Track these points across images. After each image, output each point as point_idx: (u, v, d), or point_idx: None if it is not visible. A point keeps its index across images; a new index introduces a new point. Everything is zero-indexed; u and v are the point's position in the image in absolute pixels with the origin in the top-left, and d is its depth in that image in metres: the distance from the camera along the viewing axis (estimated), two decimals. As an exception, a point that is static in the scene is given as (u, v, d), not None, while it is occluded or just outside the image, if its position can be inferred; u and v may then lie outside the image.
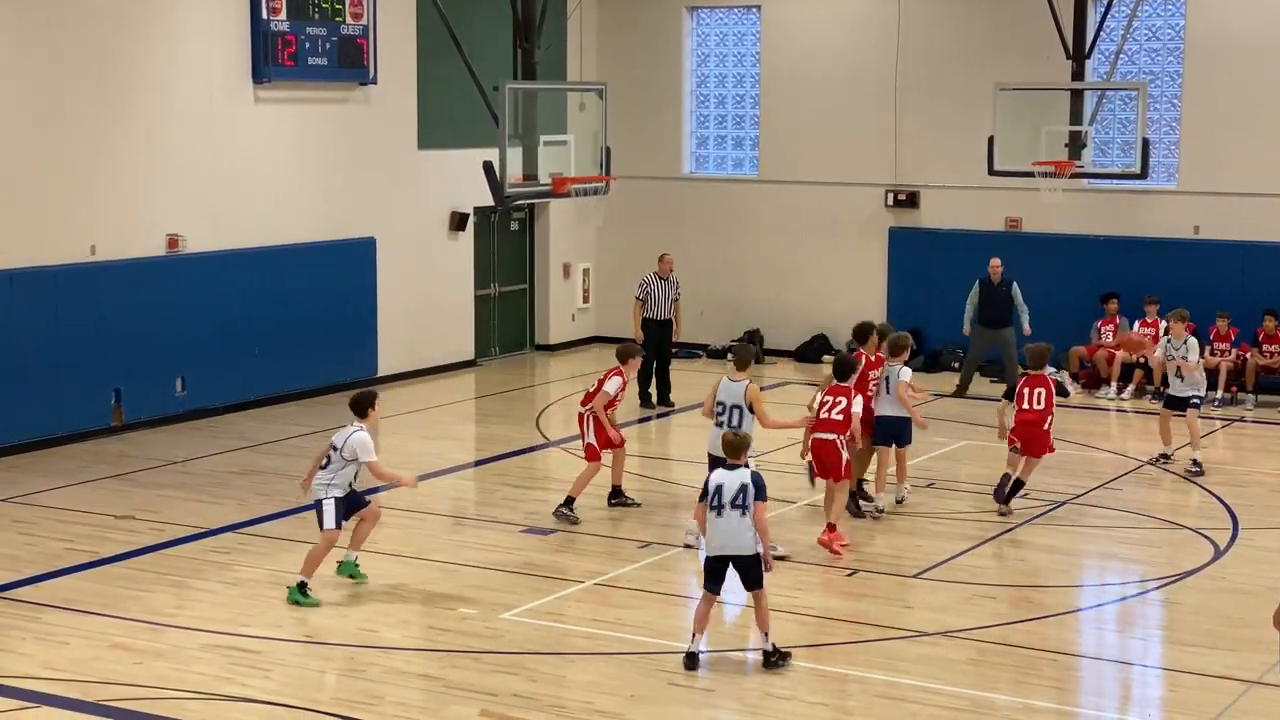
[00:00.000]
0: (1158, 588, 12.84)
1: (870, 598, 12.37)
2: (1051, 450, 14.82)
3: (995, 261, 20.74)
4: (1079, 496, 15.52)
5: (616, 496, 15.13)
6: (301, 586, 12.09)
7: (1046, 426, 14.59)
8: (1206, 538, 14.06)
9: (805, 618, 11.91)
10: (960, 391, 20.76)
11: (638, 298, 20.12)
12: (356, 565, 12.72)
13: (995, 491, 14.82)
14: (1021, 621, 11.79)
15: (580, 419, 14.80)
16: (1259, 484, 16.27)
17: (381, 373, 21.57)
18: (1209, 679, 10.65)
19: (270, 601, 12.18)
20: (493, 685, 10.44)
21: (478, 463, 17.65)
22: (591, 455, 14.64)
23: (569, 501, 14.57)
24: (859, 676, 10.64)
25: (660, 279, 20.12)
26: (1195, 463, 16.32)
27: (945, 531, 14.25)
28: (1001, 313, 20.66)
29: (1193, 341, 16.65)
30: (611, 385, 14.64)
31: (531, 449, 18.12)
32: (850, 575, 12.91)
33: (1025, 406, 14.66)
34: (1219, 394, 20.13)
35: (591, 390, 14.80)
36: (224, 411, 19.24)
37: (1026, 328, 20.31)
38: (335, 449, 12.34)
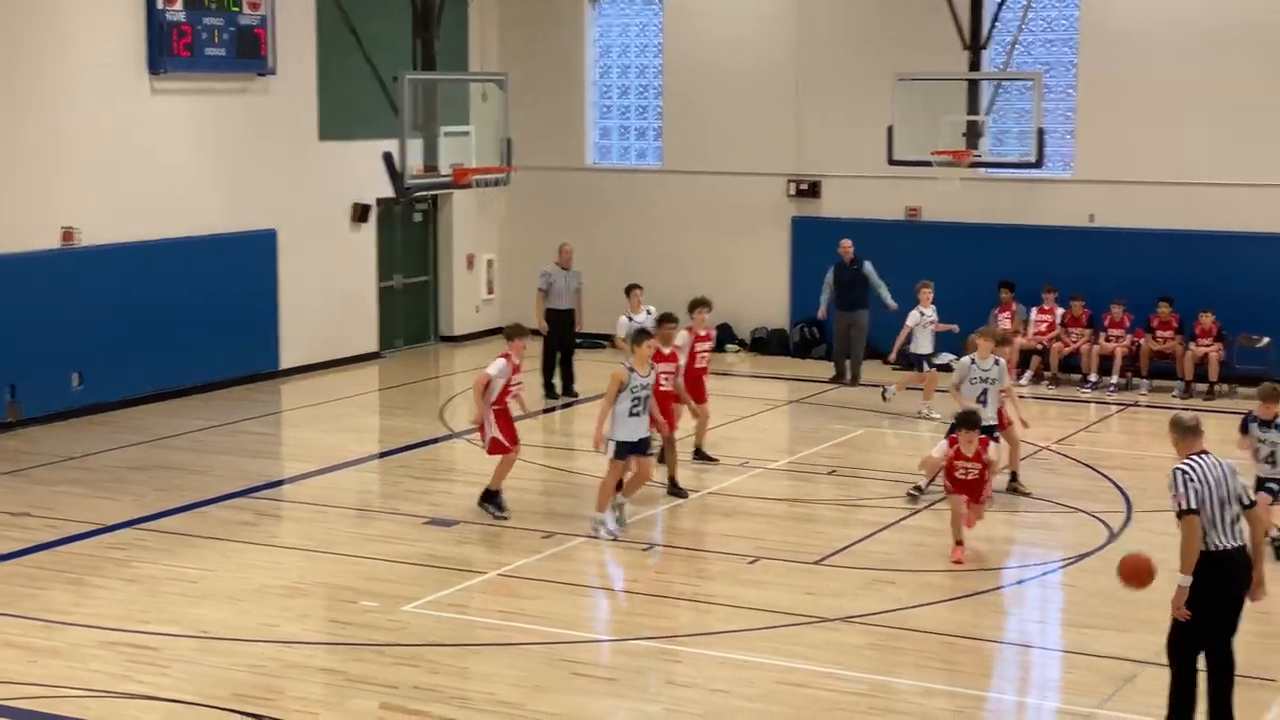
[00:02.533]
0: (1055, 570, 13.06)
1: (772, 584, 12.46)
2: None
3: (846, 242, 20.90)
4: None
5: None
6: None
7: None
8: (1101, 521, 14.30)
9: (708, 605, 11.98)
10: (840, 378, 20.93)
11: (540, 288, 20.11)
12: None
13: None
14: (921, 606, 11.93)
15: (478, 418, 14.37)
16: (1153, 468, 16.51)
17: (284, 365, 21.39)
18: (1104, 660, 10.85)
19: (169, 598, 12.06)
20: (394, 678, 10.41)
21: (381, 455, 17.56)
22: (497, 449, 14.27)
23: (489, 495, 14.32)
24: (760, 663, 10.72)
25: (562, 269, 20.12)
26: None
27: (845, 518, 14.38)
28: (856, 294, 20.83)
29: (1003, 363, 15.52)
30: (494, 367, 14.13)
31: (435, 441, 18.05)
32: (752, 563, 13.00)
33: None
34: (1114, 379, 20.52)
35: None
36: (122, 406, 18.98)
37: (889, 302, 20.52)
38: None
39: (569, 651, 10.99)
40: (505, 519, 14.07)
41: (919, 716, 9.80)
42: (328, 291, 21.98)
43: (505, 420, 14.23)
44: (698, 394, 16.12)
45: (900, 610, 11.85)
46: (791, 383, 21.46)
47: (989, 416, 14.27)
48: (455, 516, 14.42)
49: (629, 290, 18.42)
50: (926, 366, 19.10)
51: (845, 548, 13.44)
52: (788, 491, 15.70)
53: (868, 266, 20.81)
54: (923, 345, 19.17)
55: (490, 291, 25.10)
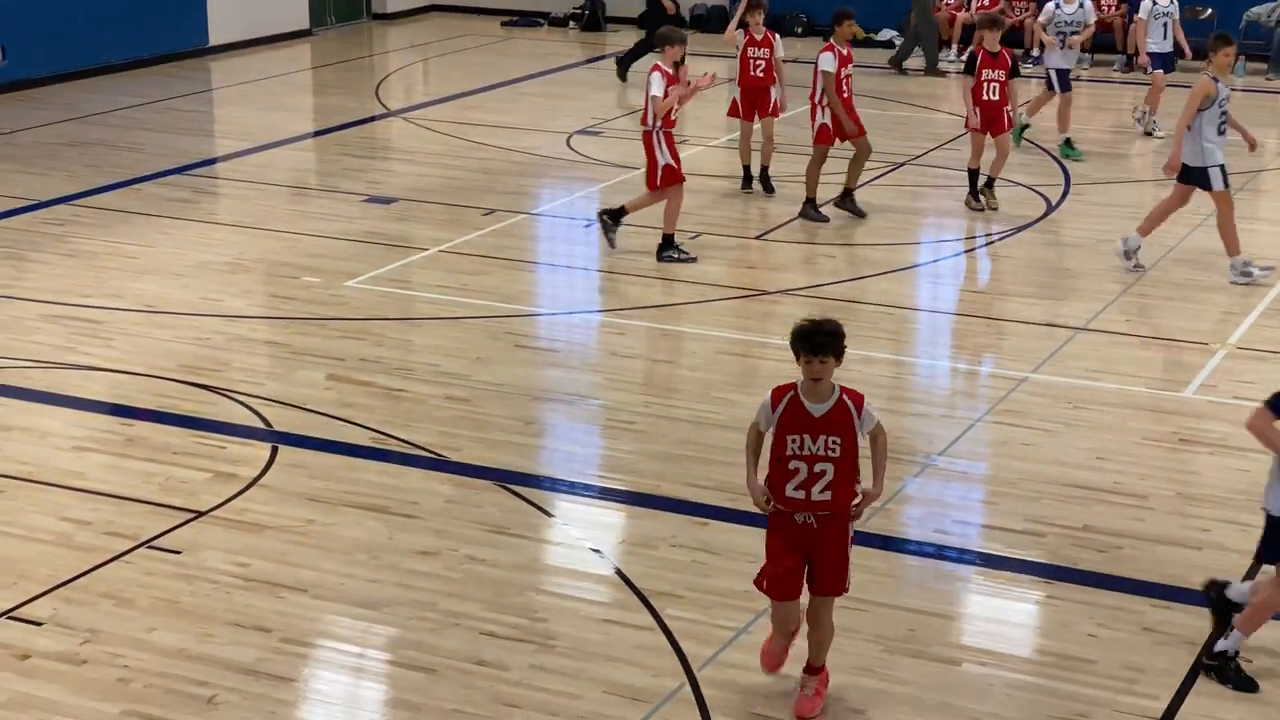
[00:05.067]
0: (992, 243, 13.19)
1: (713, 260, 12.52)
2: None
3: None
4: (918, 158, 15.73)
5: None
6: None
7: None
8: (1039, 194, 14.39)
9: (650, 279, 12.05)
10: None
11: None
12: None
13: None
14: (861, 278, 12.06)
15: (645, 139, 12.24)
16: (1091, 140, 16.60)
17: (213, 42, 20.82)
18: (1038, 327, 11.07)
19: (109, 273, 11.98)
20: (339, 350, 10.47)
21: (317, 133, 17.29)
22: (670, 178, 12.20)
23: (668, 242, 12.42)
24: (702, 334, 10.85)
25: None
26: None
27: (786, 194, 14.36)
28: None
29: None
30: (655, 84, 12.03)
31: (372, 119, 17.77)
32: (695, 238, 13.03)
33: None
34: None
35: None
36: (49, 82, 18.49)
37: None
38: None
39: (512, 325, 11.07)
40: (694, 260, 12.36)
41: (860, 382, 9.93)
42: (255, -36, 21.26)
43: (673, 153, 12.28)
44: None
45: (840, 283, 11.97)
46: (731, 60, 21.10)
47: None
48: (394, 194, 14.30)
49: None
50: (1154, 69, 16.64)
51: (786, 223, 13.48)
52: (726, 168, 15.64)
53: None
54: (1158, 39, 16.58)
55: (424, -34, 24.34)
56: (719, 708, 6.47)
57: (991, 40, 13.55)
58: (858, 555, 6.88)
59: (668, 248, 12.38)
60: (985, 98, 13.54)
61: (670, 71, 12.10)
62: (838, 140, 13.36)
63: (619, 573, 7.61)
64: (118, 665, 6.74)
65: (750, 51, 13.95)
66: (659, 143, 12.12)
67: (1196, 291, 11.75)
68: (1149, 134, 16.74)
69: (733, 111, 14.28)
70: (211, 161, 15.81)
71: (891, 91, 19.02)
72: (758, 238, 13.13)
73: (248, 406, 9.49)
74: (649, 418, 9.43)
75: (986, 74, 13.51)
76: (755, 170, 14.36)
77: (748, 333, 10.89)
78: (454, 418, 9.40)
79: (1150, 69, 16.50)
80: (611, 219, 12.59)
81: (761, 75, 13.97)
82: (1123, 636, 7.03)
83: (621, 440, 9.19)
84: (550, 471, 8.81)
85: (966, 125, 13.83)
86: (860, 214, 13.54)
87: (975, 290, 12.42)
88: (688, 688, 6.60)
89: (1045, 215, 13.76)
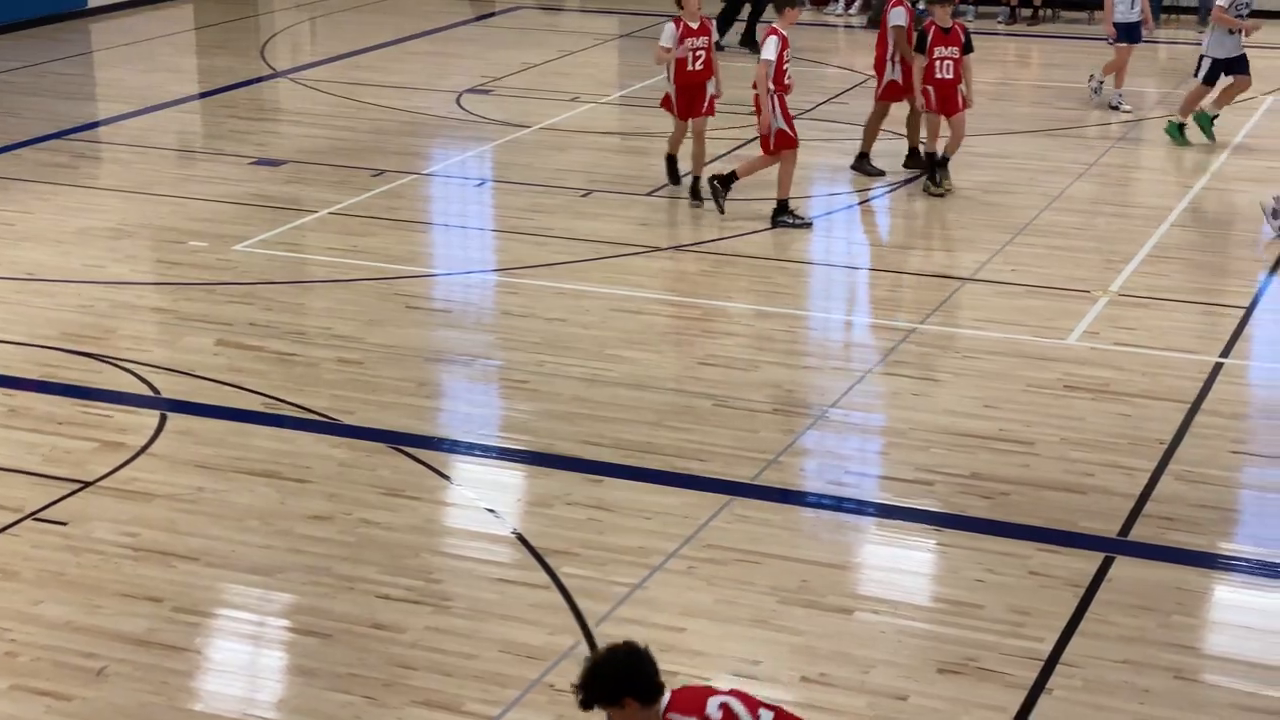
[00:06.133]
0: (880, 196, 13.28)
1: (606, 217, 12.51)
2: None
3: None
4: (808, 111, 15.78)
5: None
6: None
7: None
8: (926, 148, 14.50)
9: (541, 238, 12.02)
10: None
11: None
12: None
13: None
14: (752, 233, 12.11)
15: (756, 101, 12.12)
16: (976, 93, 16.71)
17: (92, 4, 20.39)
18: (926, 278, 11.19)
19: (-12, 242, 11.74)
20: (229, 315, 10.34)
21: (202, 95, 17.00)
22: (783, 143, 12.08)
23: (783, 207, 12.24)
24: (595, 292, 10.85)
25: None
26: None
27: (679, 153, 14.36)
28: None
29: None
30: (769, 48, 11.91)
31: (258, 80, 17.51)
32: (584, 195, 13.01)
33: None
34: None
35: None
36: (-80, 48, 18.05)
37: None
38: None
39: (404, 286, 10.99)
40: (810, 224, 12.24)
41: (752, 336, 10.06)
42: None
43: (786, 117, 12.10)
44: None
45: (731, 238, 12.01)
46: (623, 16, 21.10)
47: None
48: (282, 156, 14.12)
49: None
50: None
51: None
52: (619, 125, 15.62)
53: None
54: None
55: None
56: (615, 663, 6.50)
57: (943, 15, 12.72)
58: (752, 508, 6.95)
59: (782, 212, 12.18)
60: (939, 76, 12.80)
61: (785, 34, 11.96)
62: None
63: (515, 532, 7.61)
64: (4, 640, 6.64)
65: (687, 42, 12.43)
66: (773, 106, 11.98)
67: (1079, 240, 11.93)
68: (1114, 107, 15.69)
69: (666, 105, 12.89)
70: (93, 125, 15.51)
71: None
72: (649, 194, 13.13)
73: (134, 374, 9.36)
74: (543, 376, 9.42)
75: (939, 51, 12.73)
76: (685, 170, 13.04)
77: (641, 289, 10.90)
78: (346, 381, 9.34)
79: (1115, 40, 15.53)
80: (722, 184, 12.36)
81: (700, 69, 12.54)
82: (1009, 581, 7.16)
83: (516, 400, 9.17)
84: (445, 433, 8.79)
85: (926, 107, 12.98)
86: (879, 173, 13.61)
87: (865, 243, 12.53)
88: (584, 645, 6.63)
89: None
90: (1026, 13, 20.47)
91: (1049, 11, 20.76)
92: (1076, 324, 10.22)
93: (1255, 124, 15.33)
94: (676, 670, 6.44)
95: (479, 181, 13.45)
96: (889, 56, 13.29)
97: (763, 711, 4.67)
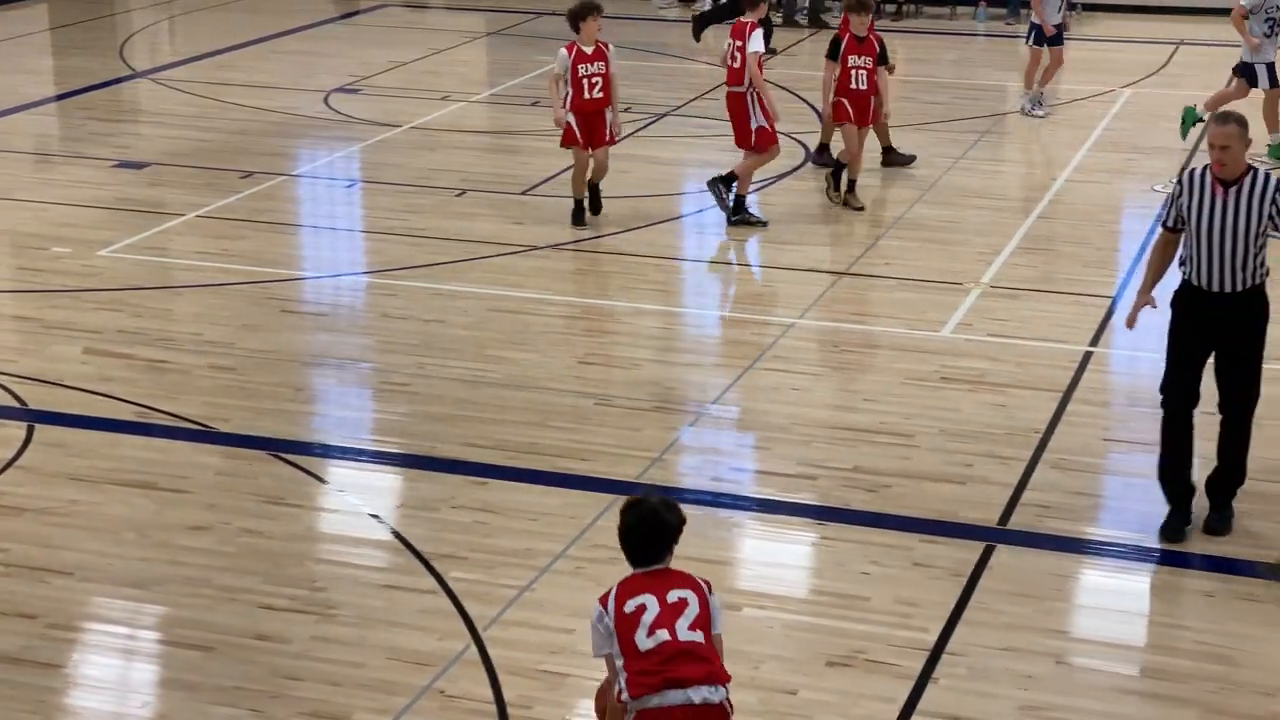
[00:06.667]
0: (753, 192, 13.35)
1: (480, 217, 12.43)
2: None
3: None
4: (679, 109, 15.84)
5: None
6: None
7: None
8: (799, 142, 14.62)
9: (416, 239, 11.90)
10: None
11: None
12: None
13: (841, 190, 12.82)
14: (628, 230, 12.10)
15: (730, 101, 12.04)
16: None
17: (-59, 4, 19.84)
18: (802, 273, 11.27)
19: None
20: (96, 323, 10.11)
21: (60, 97, 16.60)
22: (765, 140, 12.01)
23: (741, 203, 12.18)
24: (472, 293, 10.77)
25: None
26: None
27: (548, 148, 14.31)
28: None
29: None
30: (756, 40, 11.75)
31: (118, 81, 17.14)
32: (460, 195, 12.92)
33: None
34: None
35: (734, 65, 11.90)
36: None
37: None
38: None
39: (277, 290, 10.83)
40: (766, 225, 12.18)
41: (631, 334, 10.06)
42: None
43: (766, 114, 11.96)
44: None
45: (608, 236, 12.00)
46: (490, 14, 21.00)
47: None
48: (145, 158, 13.83)
49: None
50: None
51: (550, 178, 13.43)
52: (490, 124, 15.54)
53: None
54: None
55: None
56: (505, 667, 6.46)
57: (859, 24, 12.25)
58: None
59: (740, 209, 12.14)
60: (853, 87, 12.33)
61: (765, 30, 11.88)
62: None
63: (399, 537, 7.53)
64: (-128, 663, 6.42)
65: (582, 69, 11.76)
66: (752, 104, 11.85)
67: (950, 233, 12.10)
68: (1032, 114, 15.42)
69: (568, 140, 11.99)
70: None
71: (648, 43, 19.08)
72: (523, 193, 13.07)
73: None
74: (423, 379, 9.33)
75: (853, 60, 12.30)
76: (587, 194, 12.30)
77: (518, 289, 10.85)
78: (221, 387, 9.17)
79: (1037, 42, 15.20)
80: (725, 185, 12.15)
81: (600, 96, 11.86)
82: (894, 573, 7.24)
83: (395, 403, 9.08)
84: (323, 438, 8.67)
85: (837, 118, 12.49)
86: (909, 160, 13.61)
87: (741, 239, 12.58)
88: (474, 649, 6.58)
89: (804, 163, 13.99)
90: (891, 8, 20.72)
91: (911, 7, 21.05)
92: (950, 316, 10.36)
93: (1115, 116, 15.67)
94: (568, 672, 6.43)
95: (349, 182, 13.29)
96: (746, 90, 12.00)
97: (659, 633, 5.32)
